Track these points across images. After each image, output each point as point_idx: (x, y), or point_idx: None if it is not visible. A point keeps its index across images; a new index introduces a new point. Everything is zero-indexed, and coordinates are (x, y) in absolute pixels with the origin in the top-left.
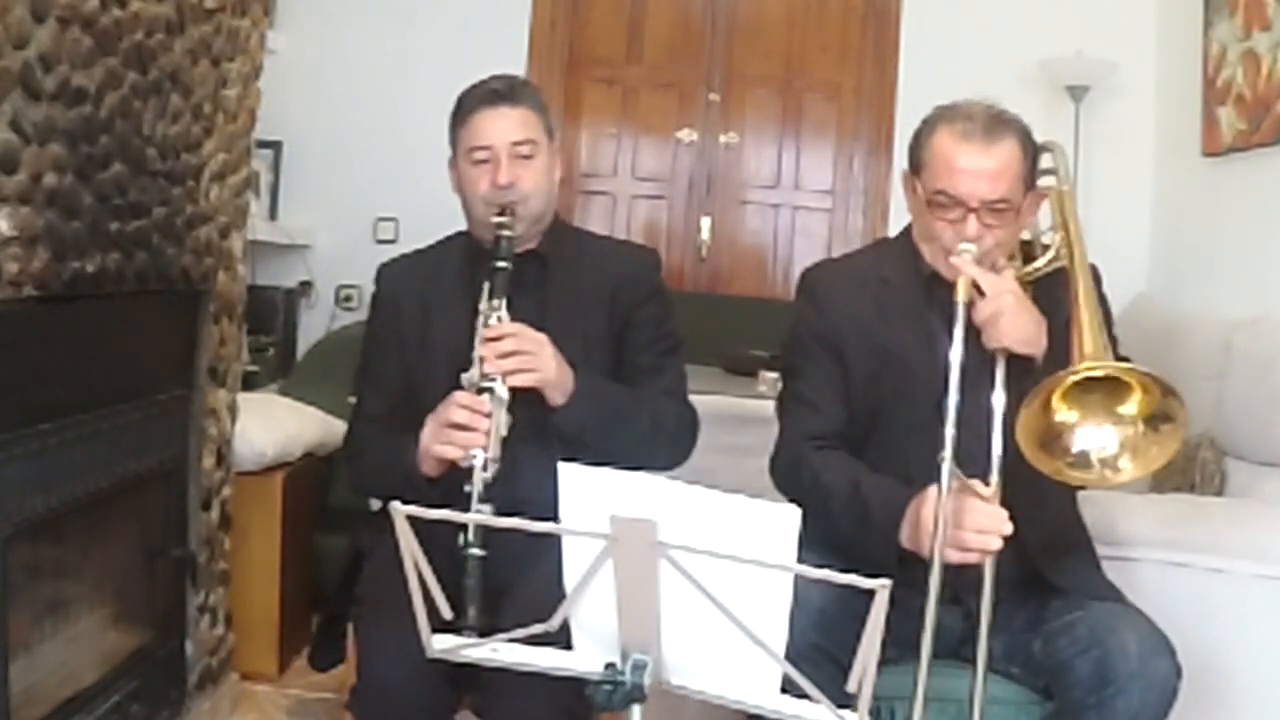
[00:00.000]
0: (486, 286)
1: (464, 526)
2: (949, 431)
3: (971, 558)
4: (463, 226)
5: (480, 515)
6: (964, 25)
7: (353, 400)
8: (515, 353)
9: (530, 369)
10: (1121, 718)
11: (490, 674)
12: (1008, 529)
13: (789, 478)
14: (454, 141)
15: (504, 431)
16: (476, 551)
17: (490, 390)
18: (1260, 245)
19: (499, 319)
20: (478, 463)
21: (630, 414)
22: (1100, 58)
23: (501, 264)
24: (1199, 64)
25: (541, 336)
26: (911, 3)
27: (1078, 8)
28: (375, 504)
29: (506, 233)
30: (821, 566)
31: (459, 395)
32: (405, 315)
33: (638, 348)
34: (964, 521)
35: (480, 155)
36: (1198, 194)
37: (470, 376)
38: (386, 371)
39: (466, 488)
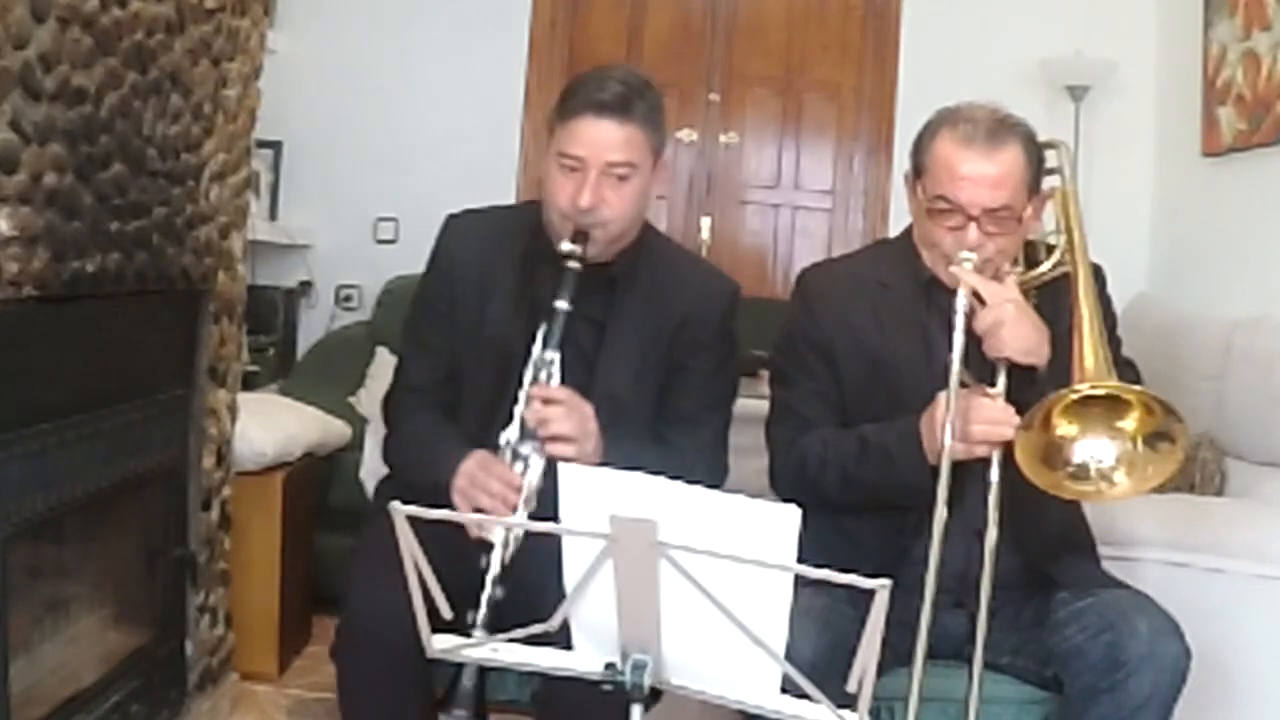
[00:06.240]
0: (542, 331)
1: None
2: (947, 441)
3: (979, 450)
4: None
5: (489, 516)
6: (964, 25)
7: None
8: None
9: (574, 443)
10: (1134, 700)
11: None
12: (1015, 421)
13: (792, 480)
14: (552, 130)
15: (533, 504)
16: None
17: (525, 461)
18: (1260, 245)
19: (549, 375)
20: (498, 541)
21: None
22: (1100, 58)
23: (561, 305)
24: (1199, 64)
25: (588, 410)
26: (911, 3)
27: (1078, 8)
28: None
29: (573, 265)
30: (820, 567)
31: (497, 468)
32: (460, 286)
33: (682, 394)
34: (972, 416)
35: (570, 164)
36: (1198, 194)
37: (509, 436)
38: (434, 339)
39: (483, 561)
